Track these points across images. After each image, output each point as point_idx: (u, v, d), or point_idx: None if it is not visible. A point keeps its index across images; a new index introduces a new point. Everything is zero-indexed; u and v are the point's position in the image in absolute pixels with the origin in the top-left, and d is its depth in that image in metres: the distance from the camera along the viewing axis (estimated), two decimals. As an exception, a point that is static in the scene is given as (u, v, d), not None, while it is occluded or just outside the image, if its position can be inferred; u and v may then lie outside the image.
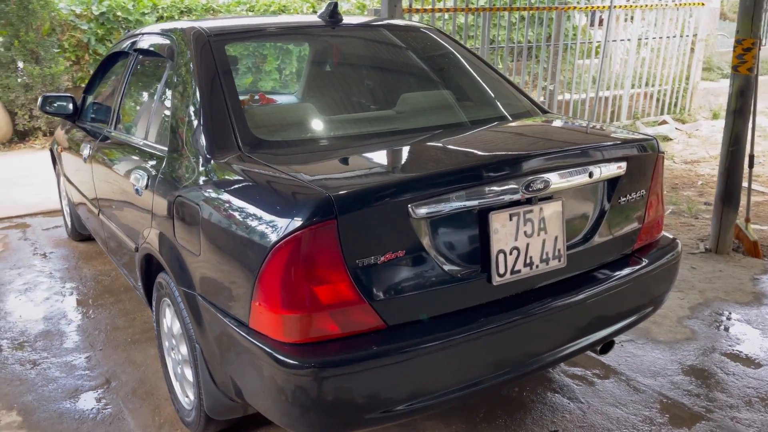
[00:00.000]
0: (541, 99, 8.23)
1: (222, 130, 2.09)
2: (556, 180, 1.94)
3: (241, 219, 1.76)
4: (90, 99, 3.72)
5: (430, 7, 6.81)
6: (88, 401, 2.59)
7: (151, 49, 2.82)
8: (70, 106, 3.61)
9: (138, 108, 2.99)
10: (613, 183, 2.15)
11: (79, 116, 3.71)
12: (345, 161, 2.03)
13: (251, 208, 1.75)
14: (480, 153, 2.13)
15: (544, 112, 2.70)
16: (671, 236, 2.47)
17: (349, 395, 1.65)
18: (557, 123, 2.61)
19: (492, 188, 1.83)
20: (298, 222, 1.58)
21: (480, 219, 1.84)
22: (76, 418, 2.47)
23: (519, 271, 1.91)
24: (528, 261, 1.93)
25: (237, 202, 1.82)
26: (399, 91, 2.62)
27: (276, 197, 1.72)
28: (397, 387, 1.71)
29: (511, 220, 1.88)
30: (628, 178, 2.17)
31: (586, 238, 2.12)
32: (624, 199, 2.18)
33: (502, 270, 1.88)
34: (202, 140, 2.09)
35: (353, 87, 2.75)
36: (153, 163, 2.40)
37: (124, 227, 2.77)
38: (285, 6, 10.48)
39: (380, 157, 2.11)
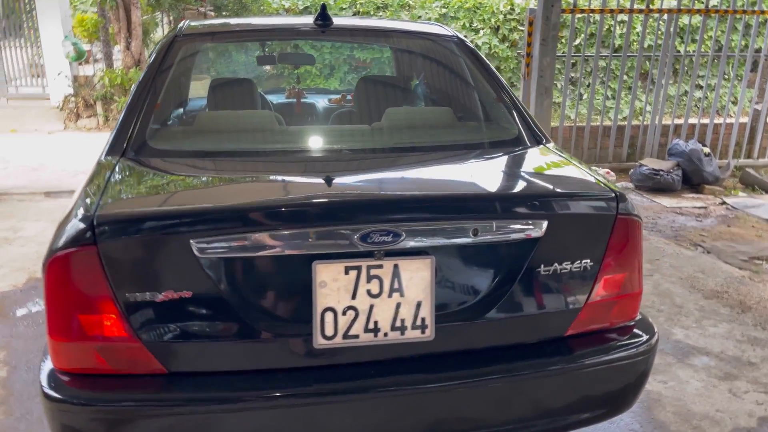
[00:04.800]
0: (744, 120, 6.89)
1: (126, 129, 2.03)
2: (418, 235, 1.56)
3: None
4: None
5: (598, 7, 6.07)
6: None
7: None
8: None
9: None
10: (527, 246, 1.67)
11: None
12: (167, 183, 1.84)
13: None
14: (319, 189, 1.77)
15: (539, 143, 2.20)
16: (648, 326, 1.86)
17: None
18: (506, 160, 2.11)
19: (315, 234, 1.53)
20: (59, 243, 1.49)
21: (304, 267, 1.55)
22: None
23: (356, 336, 1.58)
24: (372, 326, 1.59)
25: None
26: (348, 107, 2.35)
27: (71, 212, 1.62)
28: None
29: (347, 273, 1.55)
30: (554, 242, 1.67)
31: (478, 312, 1.67)
32: (547, 268, 1.68)
33: (329, 332, 1.57)
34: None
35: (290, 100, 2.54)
36: None
37: None
38: (481, 2, 10.21)
39: (217, 181, 1.89)
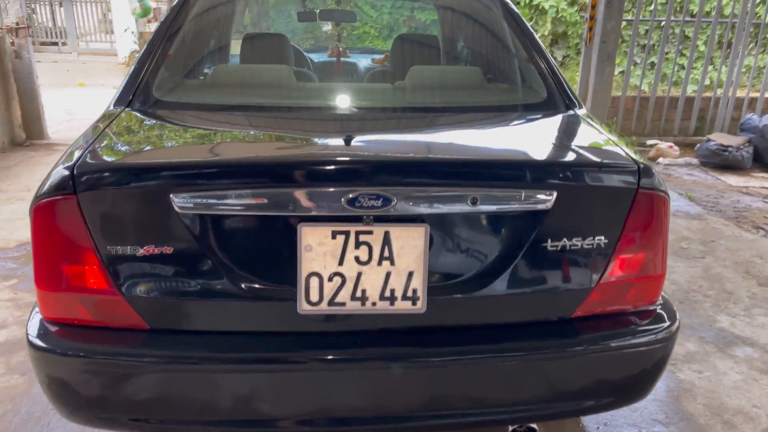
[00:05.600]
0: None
1: (135, 80, 1.99)
2: (411, 200, 1.46)
3: None
4: None
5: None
6: None
7: None
8: None
9: None
10: (533, 218, 1.53)
11: None
12: (158, 136, 1.78)
13: None
14: (309, 148, 1.71)
15: (569, 108, 2.03)
16: (669, 312, 1.70)
17: (87, 386, 1.52)
18: (525, 125, 1.97)
19: (301, 194, 1.45)
20: (42, 190, 1.46)
21: (289, 229, 1.47)
22: None
23: (343, 304, 1.51)
24: (359, 295, 1.51)
25: None
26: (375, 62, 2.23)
27: (59, 160, 1.60)
28: (150, 396, 1.52)
29: (334, 238, 1.47)
30: (564, 216, 1.53)
31: (476, 286, 1.56)
32: (555, 244, 1.55)
33: (314, 298, 1.50)
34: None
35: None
36: None
37: None
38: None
39: (208, 135, 1.81)
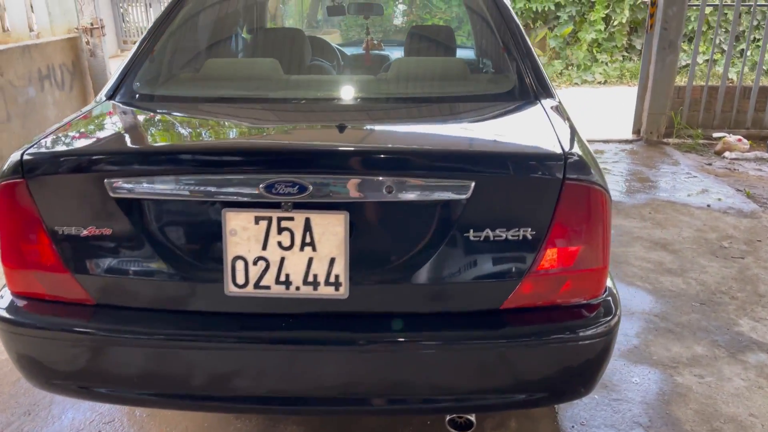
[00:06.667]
0: None
1: (123, 73, 2.13)
2: (328, 188, 1.49)
3: None
4: None
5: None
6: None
7: None
8: None
9: None
10: (452, 208, 1.53)
11: None
12: (110, 125, 1.88)
13: None
14: (235, 136, 1.77)
15: (536, 98, 1.97)
16: (608, 308, 1.64)
17: (40, 354, 1.66)
18: (472, 115, 1.95)
19: (222, 181, 1.52)
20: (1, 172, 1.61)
21: (216, 214, 1.55)
22: None
23: (268, 287, 1.57)
24: (283, 279, 1.56)
25: None
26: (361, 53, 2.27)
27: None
28: (93, 366, 1.65)
29: (257, 223, 1.53)
30: (484, 206, 1.51)
31: (399, 274, 1.57)
32: (477, 234, 1.53)
33: (240, 280, 1.57)
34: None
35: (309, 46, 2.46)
36: None
37: None
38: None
39: (153, 124, 1.90)
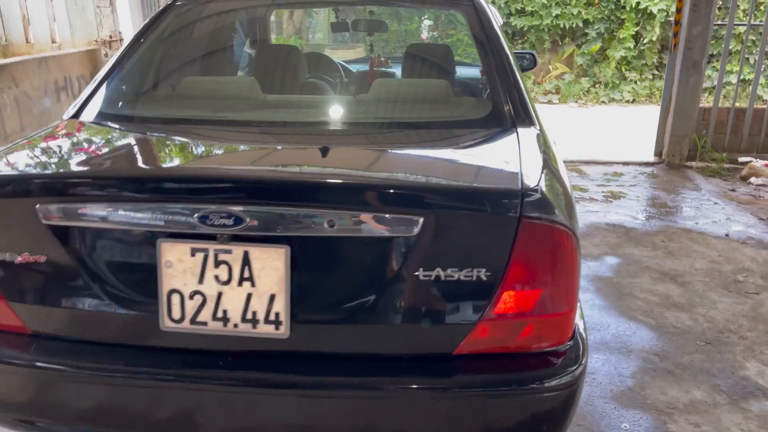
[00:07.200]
0: None
1: (88, 93, 2.08)
2: (266, 221, 1.40)
3: None
4: None
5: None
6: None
7: None
8: None
9: None
10: (399, 245, 1.41)
11: None
12: (56, 147, 1.80)
13: None
14: (171, 163, 1.70)
15: (514, 125, 1.85)
16: (574, 357, 1.50)
17: None
18: (434, 143, 1.85)
19: (157, 210, 1.43)
20: None
21: (152, 245, 1.46)
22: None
23: (205, 323, 1.47)
24: (221, 315, 1.47)
25: None
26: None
27: None
28: (29, 399, 1.57)
29: (193, 255, 1.44)
30: (434, 244, 1.40)
31: (343, 314, 1.46)
32: (427, 274, 1.41)
33: (176, 315, 1.48)
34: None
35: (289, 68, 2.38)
36: None
37: None
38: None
39: (97, 147, 1.82)
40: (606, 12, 10.00)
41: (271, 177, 1.52)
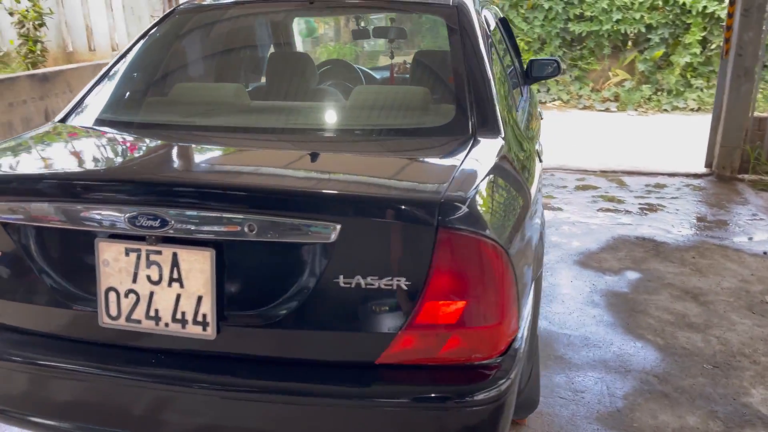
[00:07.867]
0: None
1: (79, 98, 2.18)
2: (190, 223, 1.43)
3: None
4: None
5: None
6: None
7: None
8: None
9: None
10: (320, 251, 1.41)
11: None
12: (22, 148, 1.89)
13: None
14: (106, 165, 1.75)
15: (474, 134, 1.80)
16: (502, 373, 1.45)
17: None
18: (378, 151, 1.85)
19: (93, 210, 1.49)
20: None
21: (89, 244, 1.53)
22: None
23: (139, 321, 1.52)
24: (153, 314, 1.51)
25: None
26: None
27: None
28: None
29: (127, 255, 1.50)
30: (353, 251, 1.39)
31: (268, 318, 1.46)
32: (348, 281, 1.40)
33: (113, 312, 1.53)
34: None
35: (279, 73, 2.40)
36: None
37: None
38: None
39: (55, 148, 1.88)
40: (671, 17, 9.60)
41: (191, 180, 1.55)
